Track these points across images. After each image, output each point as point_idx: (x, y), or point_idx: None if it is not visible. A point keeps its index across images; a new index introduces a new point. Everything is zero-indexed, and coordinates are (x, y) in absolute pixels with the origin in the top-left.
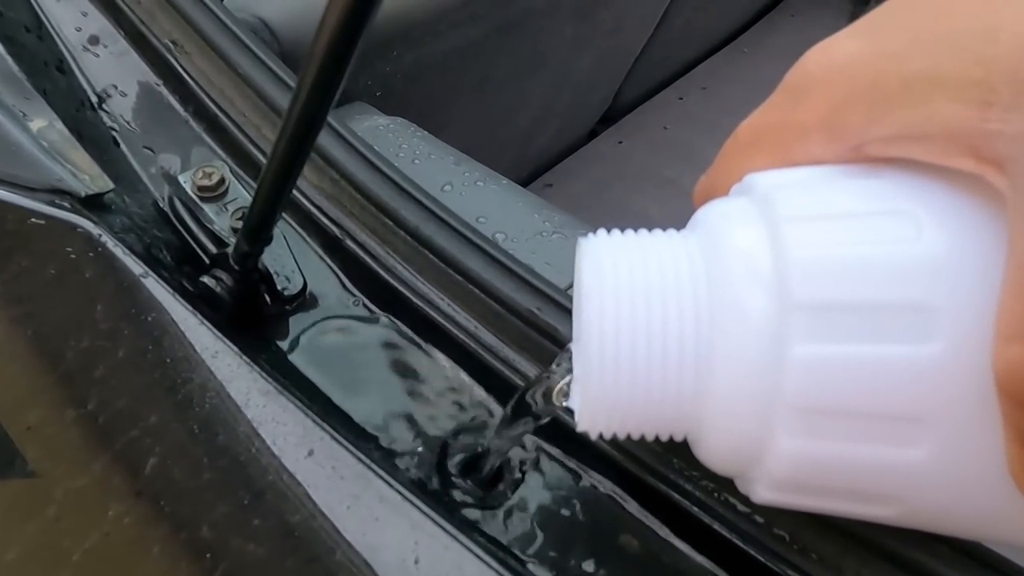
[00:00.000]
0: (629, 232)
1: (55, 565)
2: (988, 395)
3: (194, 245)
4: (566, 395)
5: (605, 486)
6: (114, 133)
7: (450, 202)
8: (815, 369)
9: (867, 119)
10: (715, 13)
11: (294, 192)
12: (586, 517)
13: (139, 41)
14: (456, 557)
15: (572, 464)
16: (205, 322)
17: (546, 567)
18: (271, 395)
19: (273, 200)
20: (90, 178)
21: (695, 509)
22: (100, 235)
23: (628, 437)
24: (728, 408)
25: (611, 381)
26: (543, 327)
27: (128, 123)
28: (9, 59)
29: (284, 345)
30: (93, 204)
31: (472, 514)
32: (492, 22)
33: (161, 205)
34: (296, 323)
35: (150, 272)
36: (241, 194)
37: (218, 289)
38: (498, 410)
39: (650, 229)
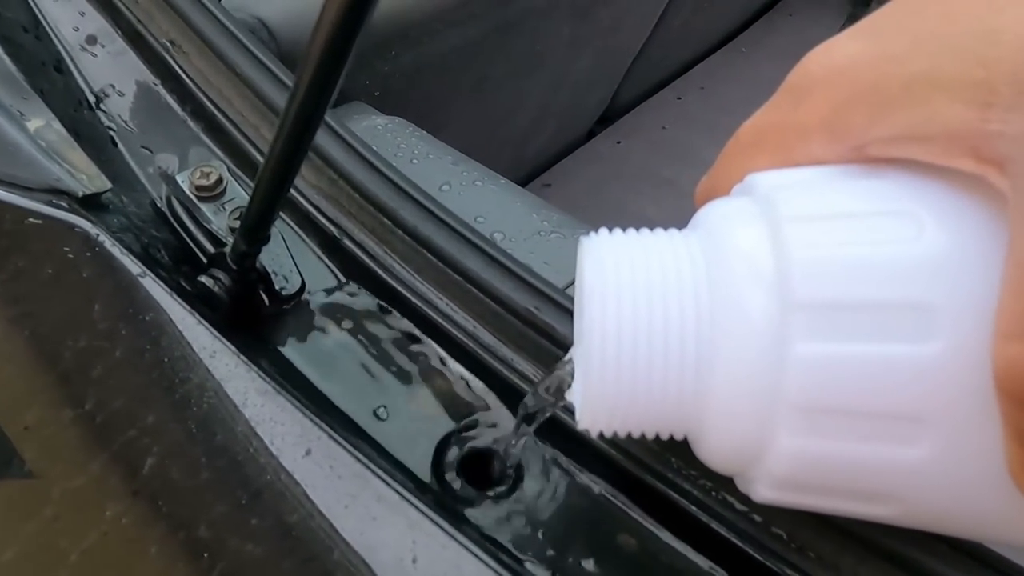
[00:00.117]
0: (631, 231)
1: (53, 565)
2: (988, 394)
3: (192, 245)
4: (568, 391)
5: (603, 485)
6: (112, 133)
7: (448, 202)
8: (816, 368)
9: (868, 120)
10: (713, 13)
11: (292, 192)
12: (584, 516)
13: (137, 41)
14: (453, 556)
15: (570, 463)
16: (203, 322)
17: (544, 566)
18: (269, 394)
19: (271, 199)
20: (88, 178)
21: (693, 508)
22: (98, 235)
23: (628, 436)
24: (729, 407)
25: (612, 380)
26: (541, 326)
27: (126, 123)
28: (7, 59)
29: (282, 345)
30: (91, 204)
31: (470, 513)
32: (490, 22)
33: (159, 205)
34: (294, 323)
35: (148, 272)
36: (239, 194)
37: (216, 289)
38: (496, 409)
39: (650, 229)
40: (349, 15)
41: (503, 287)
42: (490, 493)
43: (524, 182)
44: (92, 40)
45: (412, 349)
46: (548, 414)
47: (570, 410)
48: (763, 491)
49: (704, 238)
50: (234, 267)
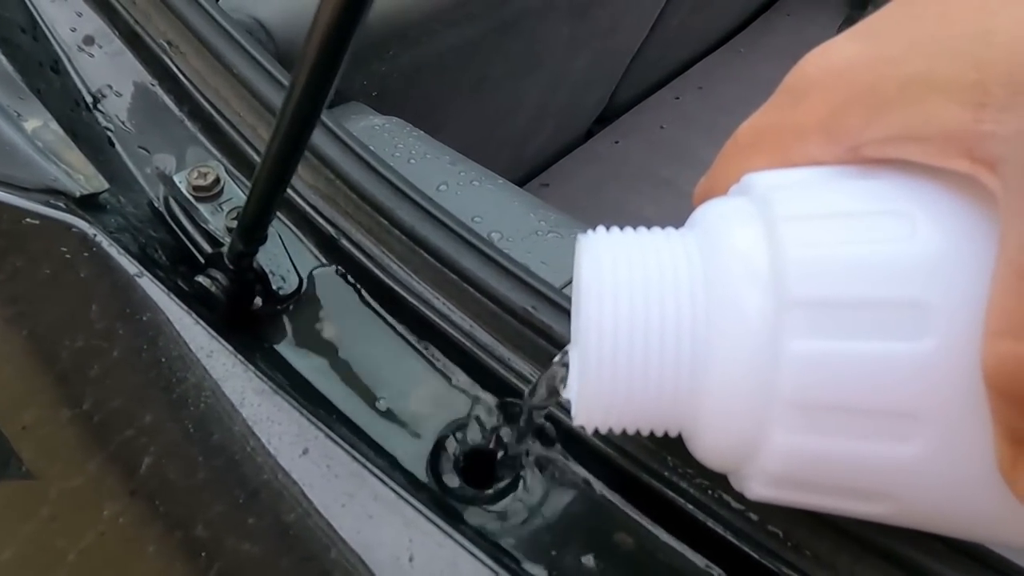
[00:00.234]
0: (628, 230)
1: (51, 565)
2: (980, 392)
3: (189, 245)
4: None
5: (599, 484)
6: (109, 133)
7: (446, 202)
8: (810, 365)
9: (864, 121)
10: (711, 13)
11: (289, 192)
12: (580, 515)
13: (134, 41)
14: (450, 555)
15: (567, 462)
16: (200, 321)
17: (540, 564)
18: (266, 394)
19: (267, 199)
20: (85, 178)
21: (689, 506)
22: (95, 235)
23: (624, 433)
24: (724, 405)
25: (608, 376)
26: (538, 325)
27: (123, 123)
28: (4, 59)
29: (279, 344)
30: (88, 204)
31: (466, 512)
32: (488, 22)
33: (156, 205)
34: (292, 323)
35: (145, 272)
36: (236, 194)
37: (213, 289)
38: (493, 408)
39: (653, 227)
40: (344, 15)
41: (500, 286)
42: (487, 491)
43: (522, 182)
44: (89, 40)
45: (408, 348)
46: (544, 411)
47: (567, 408)
48: (757, 488)
49: (701, 237)
50: (231, 267)
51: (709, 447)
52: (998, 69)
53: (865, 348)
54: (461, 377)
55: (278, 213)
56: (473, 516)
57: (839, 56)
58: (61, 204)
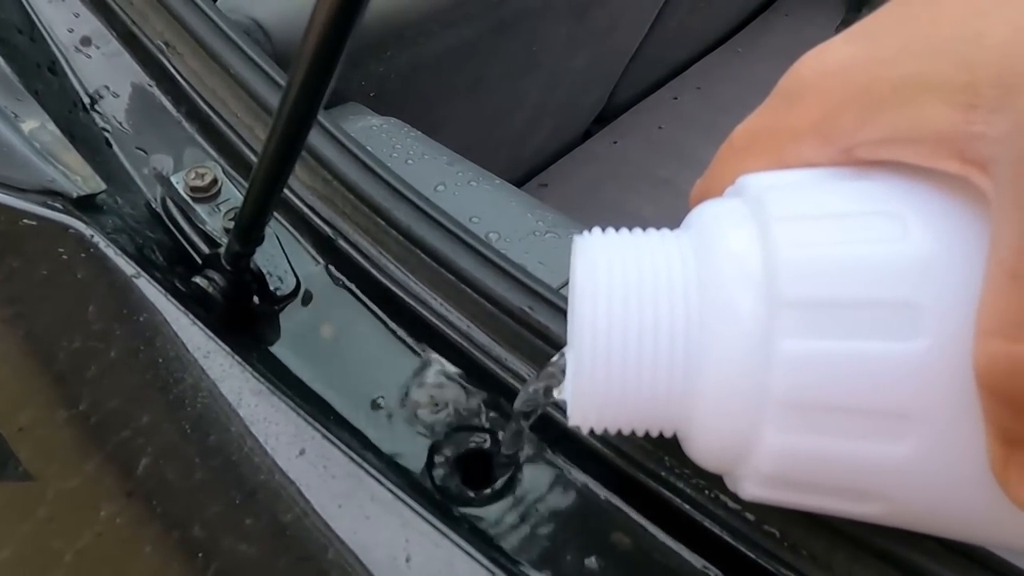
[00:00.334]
0: (624, 231)
1: (47, 566)
2: (972, 392)
3: (186, 246)
4: (560, 389)
5: (596, 484)
6: (106, 134)
7: (443, 202)
8: (802, 365)
9: (857, 122)
10: (709, 13)
11: (287, 192)
12: (577, 515)
13: (131, 42)
14: (447, 555)
15: (563, 462)
16: (197, 322)
17: (536, 564)
18: (263, 395)
19: (264, 200)
20: (82, 179)
21: (686, 506)
22: (92, 236)
23: (619, 433)
24: (717, 406)
25: (602, 377)
26: (535, 326)
27: (120, 124)
28: (1, 60)
29: (276, 345)
30: (85, 205)
31: (463, 512)
32: (486, 22)
33: (153, 206)
34: (288, 323)
35: (142, 272)
36: (234, 195)
37: (210, 289)
38: (489, 409)
39: (644, 229)
40: (340, 16)
41: (497, 287)
42: (484, 492)
43: (521, 182)
44: (87, 41)
45: (405, 349)
46: (540, 412)
47: (563, 408)
48: (751, 488)
49: (695, 238)
50: (228, 268)
51: (703, 448)
52: (989, 71)
53: (857, 348)
54: (458, 377)
55: (275, 214)
56: (470, 516)
57: (833, 58)
58: (58, 205)
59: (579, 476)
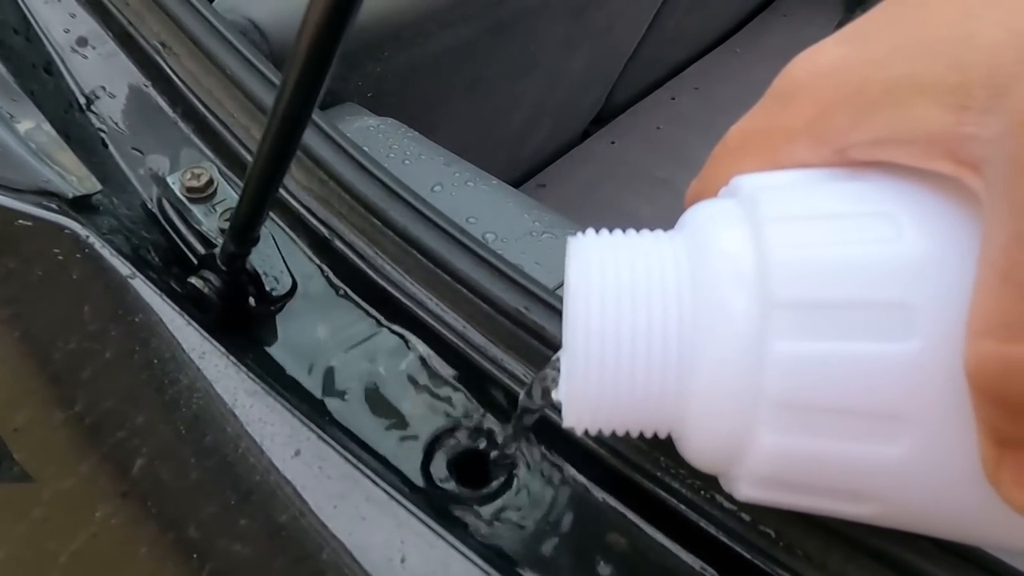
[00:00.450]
0: (617, 232)
1: (42, 567)
2: (965, 393)
3: (182, 246)
4: (555, 391)
5: (592, 485)
6: (102, 134)
7: (440, 203)
8: (796, 365)
9: (851, 123)
10: (707, 14)
11: (283, 193)
12: (573, 515)
13: (127, 43)
14: (442, 556)
15: (559, 462)
16: (192, 323)
17: (532, 565)
18: (258, 395)
19: (260, 200)
20: (78, 179)
21: (682, 507)
22: (88, 236)
23: (613, 434)
24: (711, 408)
25: (596, 379)
26: (531, 326)
27: (116, 124)
28: None
29: (272, 346)
30: (81, 205)
31: (458, 513)
32: (484, 22)
33: (149, 206)
34: (284, 324)
35: (138, 273)
36: (230, 195)
37: (206, 290)
38: (485, 409)
39: (641, 229)
40: (334, 15)
41: (493, 287)
42: (480, 492)
43: (519, 183)
44: (83, 42)
45: (402, 349)
46: (539, 413)
47: (559, 409)
48: (745, 489)
49: (689, 239)
50: (224, 268)
51: (697, 449)
52: (979, 72)
53: (850, 349)
54: (454, 378)
55: (271, 214)
56: (466, 517)
57: (826, 59)
58: (54, 206)
59: (575, 476)
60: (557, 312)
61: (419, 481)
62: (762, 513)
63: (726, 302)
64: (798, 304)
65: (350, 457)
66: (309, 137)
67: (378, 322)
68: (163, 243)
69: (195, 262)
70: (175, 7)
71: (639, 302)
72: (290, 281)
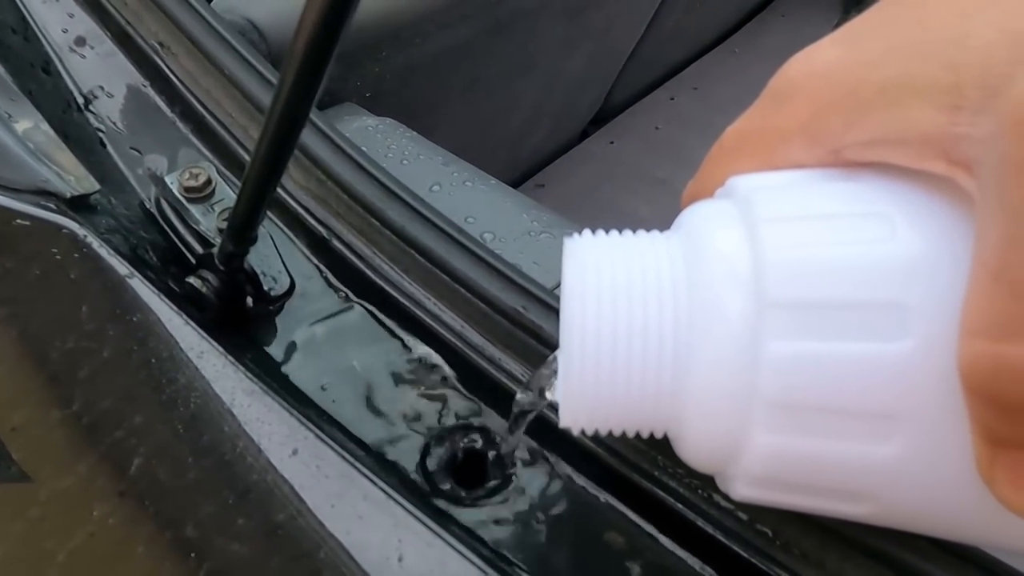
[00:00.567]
0: (614, 233)
1: (40, 566)
2: (958, 393)
3: (180, 246)
4: (551, 390)
5: (590, 484)
6: (100, 134)
7: (439, 202)
8: (790, 365)
9: (845, 124)
10: (706, 14)
11: (281, 193)
12: (570, 514)
13: (126, 42)
14: (439, 555)
15: (556, 461)
16: (190, 322)
17: (530, 564)
18: (256, 395)
19: (257, 200)
20: (76, 179)
21: (679, 506)
22: (85, 236)
23: (610, 434)
24: (706, 408)
25: (591, 379)
26: (528, 326)
27: (114, 124)
28: None
29: (270, 345)
30: (79, 205)
31: (456, 512)
32: (482, 23)
33: (147, 206)
34: (282, 323)
35: (136, 273)
36: (228, 195)
37: (204, 289)
38: (483, 408)
39: (640, 229)
40: (331, 15)
41: (491, 287)
42: (477, 491)
43: (518, 183)
44: (81, 41)
45: (400, 349)
46: (535, 413)
47: (555, 408)
48: (741, 489)
49: (684, 240)
50: (222, 268)
51: (693, 448)
52: (972, 72)
53: (844, 349)
54: (451, 377)
55: (269, 214)
56: (463, 516)
57: (821, 60)
58: (52, 205)
59: (573, 475)
60: (555, 311)
61: (417, 480)
62: (759, 512)
63: (721, 302)
64: (793, 304)
65: (347, 456)
66: (307, 137)
67: (376, 321)
68: (161, 243)
69: (193, 262)
70: (173, 7)
71: (635, 302)
72: (288, 281)
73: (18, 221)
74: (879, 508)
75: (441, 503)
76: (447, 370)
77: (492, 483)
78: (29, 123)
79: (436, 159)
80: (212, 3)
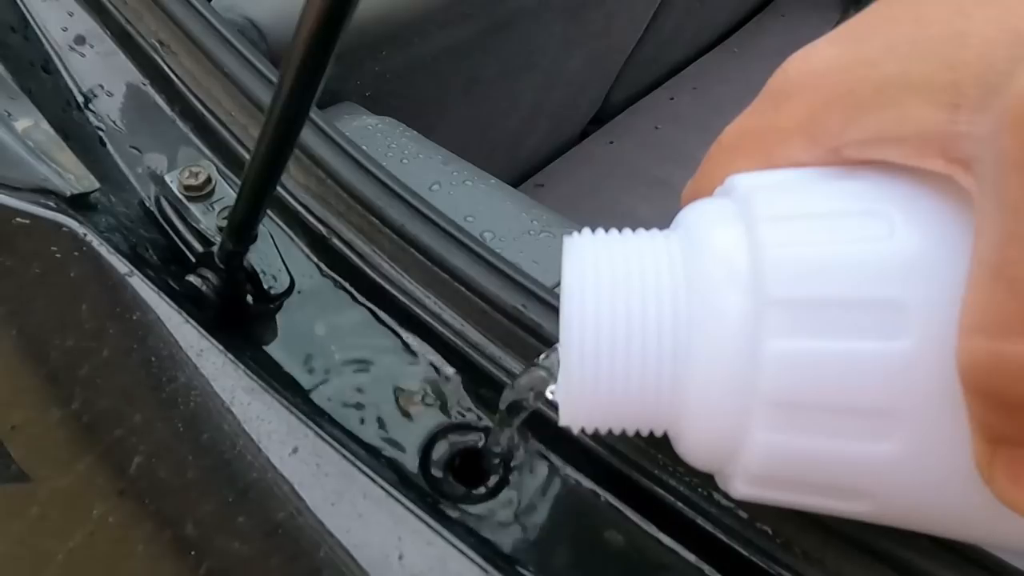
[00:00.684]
0: (613, 231)
1: (39, 565)
2: (957, 390)
3: (180, 244)
4: (551, 388)
5: (589, 482)
6: (100, 133)
7: (438, 201)
8: (789, 363)
9: (844, 122)
10: (705, 14)
11: (281, 191)
12: (570, 513)
13: (126, 41)
14: (440, 553)
15: (556, 460)
16: (190, 320)
17: (530, 562)
18: (256, 393)
19: (257, 198)
20: (76, 178)
21: (679, 504)
22: (85, 234)
23: (610, 432)
24: (705, 406)
25: (591, 377)
26: (528, 324)
27: (114, 123)
28: None
29: (270, 343)
30: (79, 203)
31: (456, 511)
32: (482, 22)
33: (147, 205)
34: (282, 321)
35: (135, 271)
36: (228, 193)
37: (204, 288)
38: (483, 407)
39: (639, 229)
40: (331, 14)
41: (491, 285)
42: (477, 490)
43: (517, 182)
44: (81, 40)
45: (399, 347)
46: (527, 410)
47: (555, 406)
48: (740, 487)
49: (684, 238)
50: (222, 266)
51: (692, 447)
52: (972, 70)
53: (843, 347)
54: (451, 375)
55: (269, 212)
56: (463, 514)
57: (819, 59)
58: (51, 203)
59: (572, 474)
60: (554, 310)
61: (417, 478)
62: (759, 510)
63: (720, 300)
64: (791, 302)
65: (347, 455)
66: (307, 135)
67: (376, 319)
68: (161, 241)
69: (193, 260)
70: (173, 6)
71: (634, 301)
72: (288, 279)
73: (18, 219)
74: (878, 506)
75: (441, 501)
76: (447, 368)
77: (492, 481)
78: (29, 121)
79: (436, 158)
80: (212, 2)
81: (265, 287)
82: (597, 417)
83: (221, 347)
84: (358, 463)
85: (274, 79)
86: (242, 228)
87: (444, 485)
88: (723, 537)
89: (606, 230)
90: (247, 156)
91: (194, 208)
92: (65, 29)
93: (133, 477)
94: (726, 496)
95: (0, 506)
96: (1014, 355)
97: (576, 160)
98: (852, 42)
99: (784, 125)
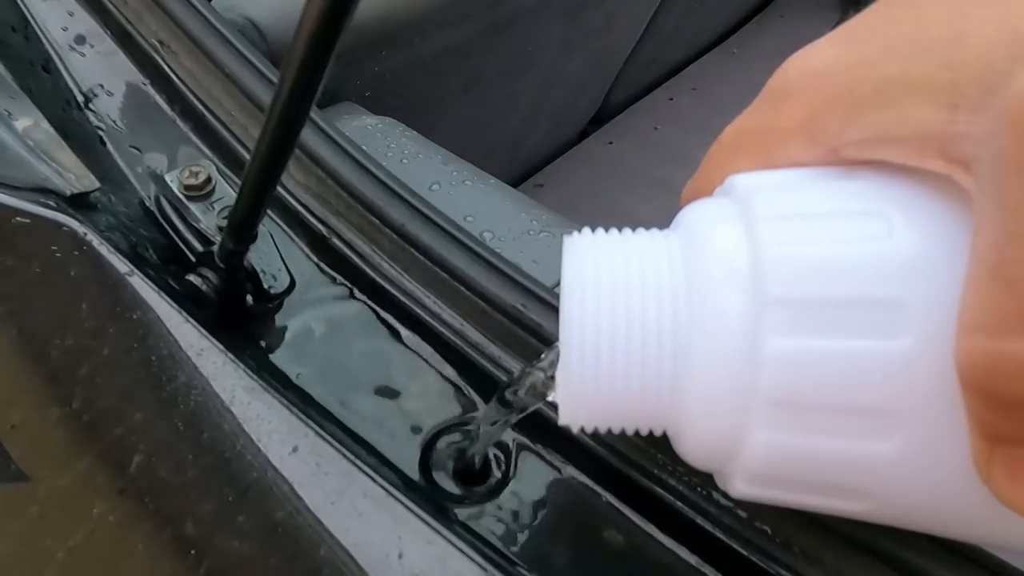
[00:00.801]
0: (613, 231)
1: (40, 564)
2: (956, 390)
3: (180, 244)
4: (551, 388)
5: (589, 481)
6: (100, 132)
7: (438, 201)
8: (788, 362)
9: (843, 122)
10: (705, 14)
11: (281, 191)
12: (570, 512)
13: (126, 41)
14: (440, 552)
15: (556, 460)
16: (190, 320)
17: (529, 562)
18: (256, 392)
19: (257, 198)
20: (76, 177)
21: (679, 504)
22: (85, 234)
23: (610, 432)
24: (704, 405)
25: (591, 376)
26: (528, 324)
27: (114, 122)
28: None
29: (270, 343)
30: (79, 203)
31: (456, 510)
32: (481, 22)
33: (147, 204)
34: (282, 321)
35: (135, 270)
36: (228, 193)
37: (204, 287)
38: (483, 406)
39: (638, 229)
40: (331, 14)
41: (491, 285)
42: (477, 489)
43: (517, 182)
44: (81, 40)
45: (399, 347)
46: (523, 409)
47: (555, 406)
48: (739, 486)
49: (683, 238)
50: (222, 266)
51: (692, 446)
52: (970, 70)
53: (843, 346)
54: (451, 375)
55: (269, 212)
56: (463, 514)
57: (819, 59)
58: (52, 203)
59: (572, 473)
60: (554, 309)
61: (417, 478)
62: (759, 510)
63: (720, 300)
64: (791, 302)
65: (347, 454)
66: (307, 135)
67: (376, 318)
68: (161, 241)
69: (193, 260)
70: (173, 5)
71: (634, 300)
72: (288, 278)
73: (18, 219)
74: (877, 505)
75: (441, 500)
76: (447, 368)
77: (492, 481)
78: (29, 121)
79: (436, 158)
80: (212, 2)
81: (265, 286)
82: (597, 416)
83: (221, 346)
84: (358, 462)
85: (274, 79)
86: (242, 228)
87: (444, 484)
88: (722, 537)
89: (606, 230)
90: (247, 156)
91: (194, 208)
92: (65, 29)
93: (133, 476)
94: (725, 496)
95: (0, 505)
96: (1012, 354)
97: (576, 160)
98: (852, 42)
99: (784, 125)
